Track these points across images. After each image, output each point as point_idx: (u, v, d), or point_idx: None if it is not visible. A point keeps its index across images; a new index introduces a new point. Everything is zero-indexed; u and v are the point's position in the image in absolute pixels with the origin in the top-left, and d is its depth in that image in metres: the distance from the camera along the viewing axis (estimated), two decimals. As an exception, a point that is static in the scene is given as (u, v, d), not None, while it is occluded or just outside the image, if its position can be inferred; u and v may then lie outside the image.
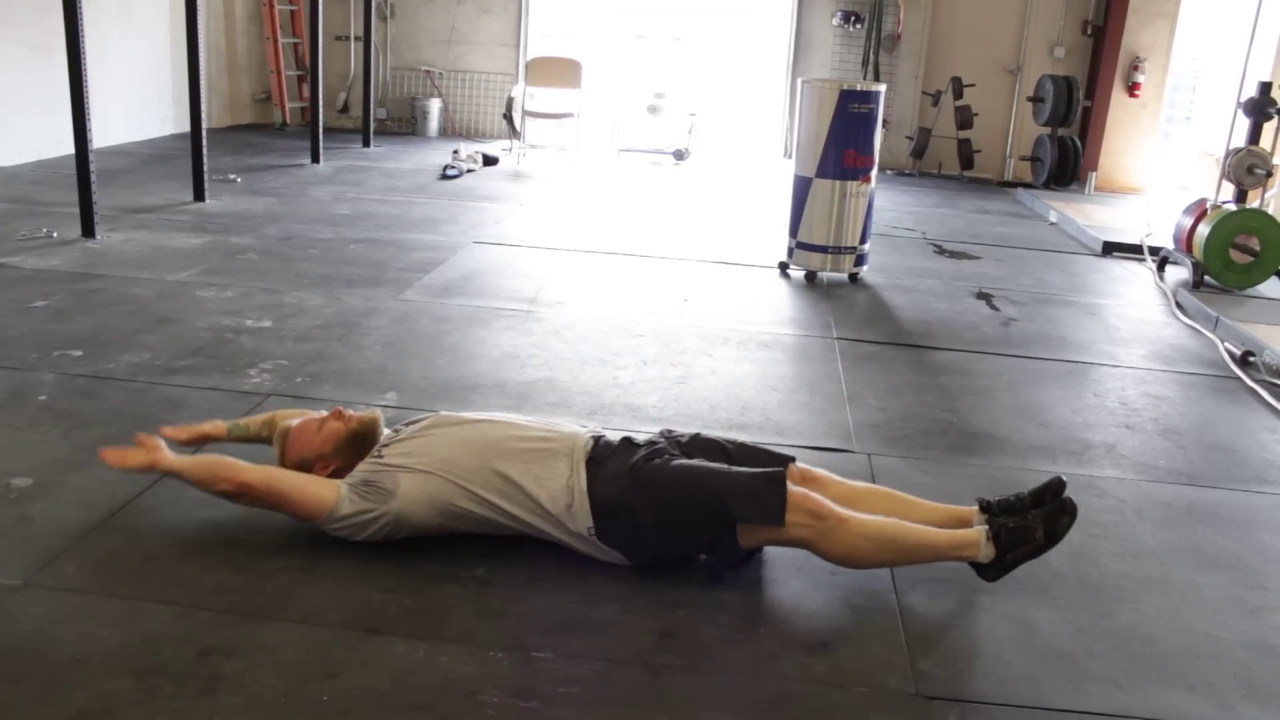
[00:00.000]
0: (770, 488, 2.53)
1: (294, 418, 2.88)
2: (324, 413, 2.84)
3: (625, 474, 2.60)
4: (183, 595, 2.43)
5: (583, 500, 2.58)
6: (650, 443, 2.74)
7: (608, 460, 2.64)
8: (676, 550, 2.68)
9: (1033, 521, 2.57)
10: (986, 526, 2.59)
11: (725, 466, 2.64)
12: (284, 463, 2.77)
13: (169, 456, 2.69)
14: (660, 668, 2.30)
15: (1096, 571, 2.85)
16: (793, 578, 2.70)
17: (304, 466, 2.73)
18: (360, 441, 2.76)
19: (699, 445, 2.77)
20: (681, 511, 2.57)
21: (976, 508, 2.70)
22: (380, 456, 2.68)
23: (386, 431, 2.84)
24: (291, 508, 2.63)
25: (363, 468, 2.67)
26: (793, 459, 2.76)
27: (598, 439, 2.73)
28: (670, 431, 2.86)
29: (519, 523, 2.62)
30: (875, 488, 2.84)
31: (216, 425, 2.99)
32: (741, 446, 2.81)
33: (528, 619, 2.45)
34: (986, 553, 2.57)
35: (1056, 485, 2.66)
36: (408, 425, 2.81)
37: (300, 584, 2.52)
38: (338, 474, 2.70)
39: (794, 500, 2.51)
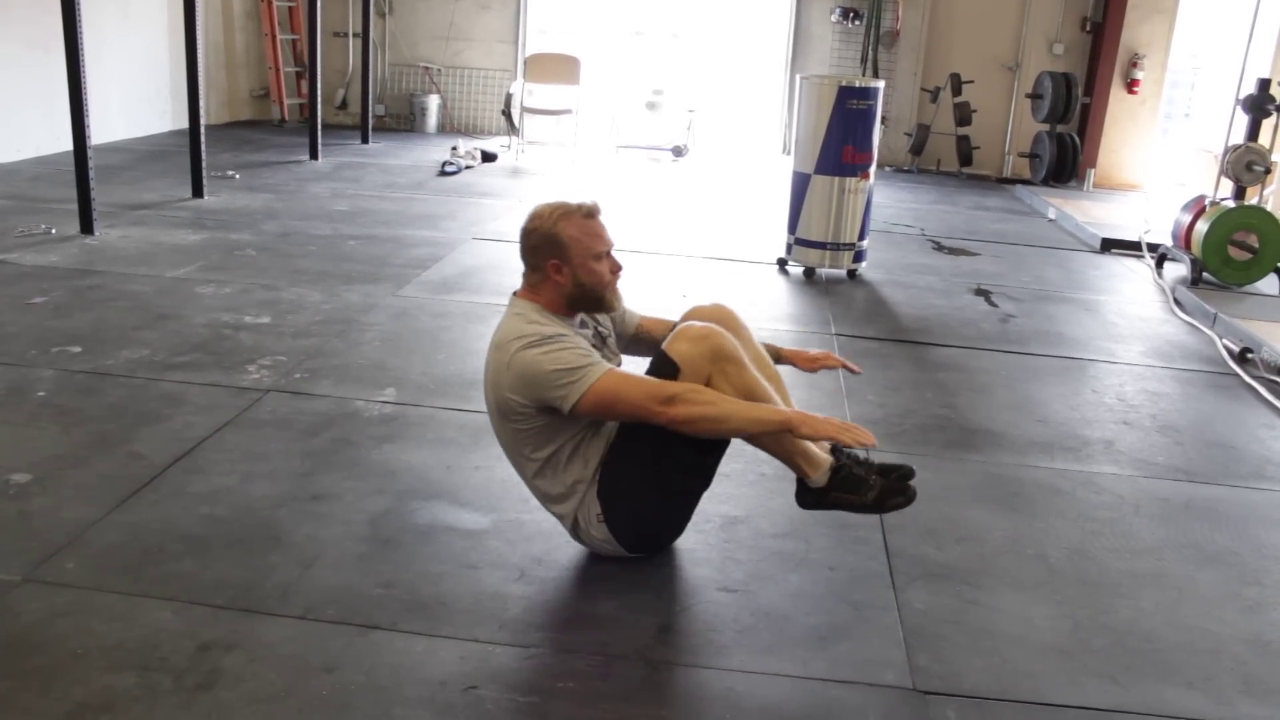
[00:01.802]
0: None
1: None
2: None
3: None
4: (182, 590, 2.44)
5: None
6: None
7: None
8: (656, 480, 2.63)
9: (874, 483, 2.59)
10: (834, 459, 2.61)
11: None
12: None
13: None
14: (659, 663, 2.31)
15: (1094, 567, 2.85)
16: (791, 573, 2.71)
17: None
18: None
19: None
20: (625, 447, 2.59)
21: (830, 448, 2.68)
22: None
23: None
24: None
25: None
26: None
27: None
28: None
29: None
30: (777, 372, 2.84)
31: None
32: None
33: (526, 613, 2.46)
34: (819, 479, 2.59)
35: (907, 472, 2.64)
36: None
37: (299, 579, 2.52)
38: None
39: (696, 332, 2.56)
